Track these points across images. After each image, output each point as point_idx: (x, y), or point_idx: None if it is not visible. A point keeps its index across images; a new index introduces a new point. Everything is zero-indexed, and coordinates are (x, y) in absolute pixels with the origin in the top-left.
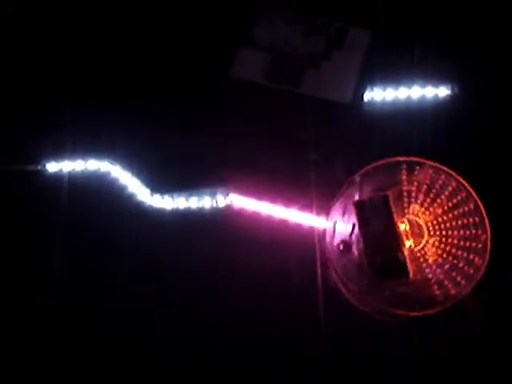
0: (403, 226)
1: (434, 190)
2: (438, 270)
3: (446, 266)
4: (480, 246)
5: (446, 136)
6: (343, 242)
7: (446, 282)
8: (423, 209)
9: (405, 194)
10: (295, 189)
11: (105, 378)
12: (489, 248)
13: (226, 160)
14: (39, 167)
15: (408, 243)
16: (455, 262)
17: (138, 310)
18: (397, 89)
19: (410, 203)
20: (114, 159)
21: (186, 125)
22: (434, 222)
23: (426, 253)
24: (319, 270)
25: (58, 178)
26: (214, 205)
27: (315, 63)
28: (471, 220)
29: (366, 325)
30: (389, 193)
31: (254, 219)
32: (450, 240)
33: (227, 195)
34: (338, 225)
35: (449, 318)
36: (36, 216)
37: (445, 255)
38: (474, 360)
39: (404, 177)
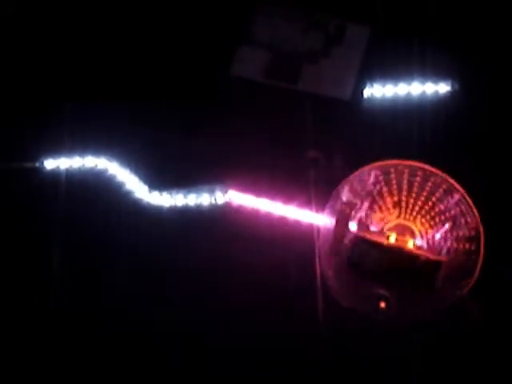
0: (392, 239)
1: (371, 190)
2: (447, 234)
3: (448, 224)
4: (445, 187)
5: (446, 133)
6: (381, 296)
7: (461, 233)
8: (383, 211)
9: (358, 216)
10: (294, 185)
11: (104, 376)
12: (452, 182)
13: (224, 157)
14: (37, 164)
15: (410, 244)
16: (447, 214)
17: (136, 308)
18: (396, 85)
19: (371, 219)
20: (112, 156)
21: (185, 122)
22: (403, 210)
23: (427, 236)
24: (318, 267)
25: (55, 175)
26: (213, 202)
27: (314, 60)
28: (418, 178)
29: (366, 323)
30: (352, 230)
31: (253, 216)
32: (426, 206)
33: (226, 192)
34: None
35: (448, 318)
36: (33, 213)
37: (437, 219)
38: (474, 359)
39: (343, 206)
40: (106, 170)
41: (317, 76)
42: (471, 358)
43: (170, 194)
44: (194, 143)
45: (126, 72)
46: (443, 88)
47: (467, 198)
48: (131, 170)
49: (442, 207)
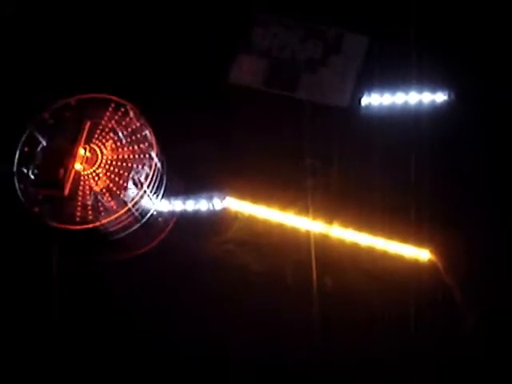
0: (83, 151)
1: (127, 133)
2: (94, 197)
3: (100, 197)
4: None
5: (443, 140)
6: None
7: (89, 208)
8: (113, 146)
9: (106, 129)
10: (292, 192)
11: (105, 378)
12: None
13: (223, 163)
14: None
15: (78, 166)
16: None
17: (132, 313)
18: (394, 94)
19: (107, 138)
20: None
21: (185, 128)
22: (113, 161)
23: (95, 180)
24: (315, 273)
25: None
26: (211, 208)
27: (313, 68)
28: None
29: (363, 326)
30: (88, 120)
31: (251, 223)
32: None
33: (224, 198)
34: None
35: (447, 321)
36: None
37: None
38: (473, 359)
39: (108, 113)
40: None
41: (315, 84)
42: (470, 359)
43: (169, 199)
44: (193, 149)
45: (126, 78)
46: (440, 97)
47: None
48: None
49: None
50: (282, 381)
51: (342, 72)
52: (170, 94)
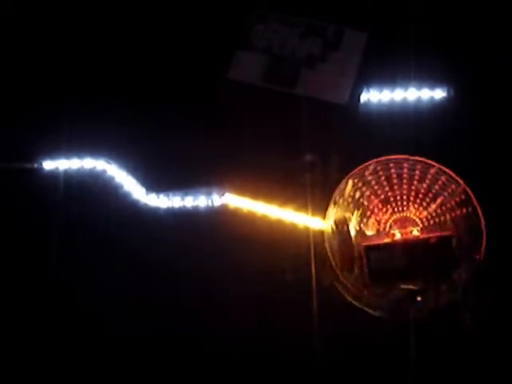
0: (398, 235)
1: (357, 198)
2: (442, 208)
3: (439, 199)
4: (420, 167)
5: (442, 138)
6: (415, 291)
7: (453, 202)
8: (374, 213)
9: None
10: (291, 189)
11: (103, 377)
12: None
13: (222, 160)
14: (35, 165)
15: (416, 232)
16: (433, 190)
17: (134, 309)
18: (393, 90)
19: (365, 225)
20: (110, 158)
21: (183, 124)
22: (393, 204)
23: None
24: (314, 270)
25: (53, 176)
26: (210, 204)
27: (312, 65)
28: (393, 170)
29: (362, 326)
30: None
31: (250, 219)
32: (412, 192)
33: (223, 195)
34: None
35: (447, 320)
36: (31, 214)
37: (427, 200)
38: (472, 360)
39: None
40: (104, 172)
41: (314, 80)
42: (469, 359)
43: (168, 196)
44: (192, 146)
45: (125, 74)
46: (439, 94)
47: (443, 168)
48: (129, 171)
49: (425, 186)
50: (280, 378)
51: (341, 68)
52: (167, 90)
